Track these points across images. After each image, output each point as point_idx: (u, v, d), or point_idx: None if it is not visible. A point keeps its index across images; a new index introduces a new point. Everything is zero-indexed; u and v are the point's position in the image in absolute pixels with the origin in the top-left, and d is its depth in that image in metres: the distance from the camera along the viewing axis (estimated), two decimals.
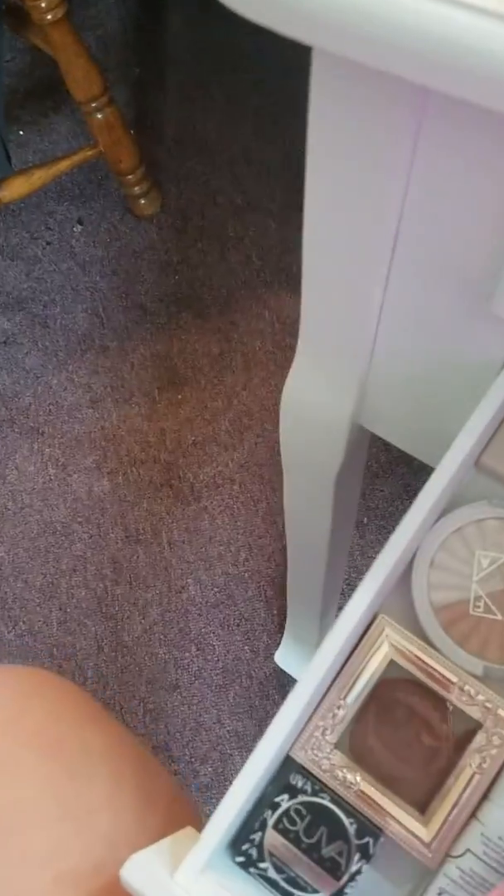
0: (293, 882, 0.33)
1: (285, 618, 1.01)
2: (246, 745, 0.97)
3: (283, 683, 0.99)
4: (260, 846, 0.33)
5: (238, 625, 1.03)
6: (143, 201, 1.32)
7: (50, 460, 1.16)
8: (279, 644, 0.99)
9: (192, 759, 0.97)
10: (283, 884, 0.33)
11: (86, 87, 1.15)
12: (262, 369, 1.21)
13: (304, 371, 0.43)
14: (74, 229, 1.35)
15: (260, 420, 1.17)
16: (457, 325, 0.33)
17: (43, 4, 1.02)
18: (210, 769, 0.97)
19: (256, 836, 0.33)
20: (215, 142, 1.42)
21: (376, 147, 0.27)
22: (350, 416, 0.43)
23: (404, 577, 0.38)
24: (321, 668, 0.33)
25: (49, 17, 1.03)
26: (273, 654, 1.00)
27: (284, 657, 0.98)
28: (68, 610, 1.07)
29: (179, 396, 1.20)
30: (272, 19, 0.22)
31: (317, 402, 0.44)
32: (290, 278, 1.29)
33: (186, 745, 0.98)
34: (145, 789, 0.35)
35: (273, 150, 1.39)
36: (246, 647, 1.02)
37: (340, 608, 0.96)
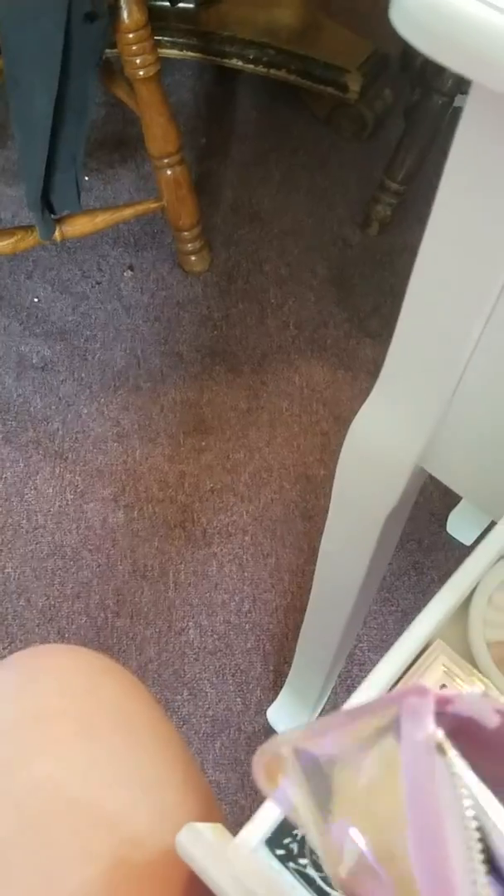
0: (330, 881, 0.34)
1: (281, 675, 1.01)
2: (226, 797, 0.95)
3: None
4: (301, 842, 0.34)
5: (233, 675, 1.03)
6: (193, 258, 1.38)
7: (69, 486, 1.18)
8: (272, 700, 0.99)
9: None
10: (319, 881, 0.34)
11: (162, 143, 1.23)
12: (287, 430, 1.24)
13: (378, 408, 0.46)
14: (125, 274, 1.41)
15: (279, 477, 1.20)
16: None
17: (138, 60, 1.10)
18: None
19: (299, 832, 0.34)
20: (268, 214, 1.50)
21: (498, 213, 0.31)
22: (417, 458, 0.46)
23: (461, 611, 0.40)
24: (381, 681, 0.35)
25: (142, 73, 1.11)
26: (265, 709, 1.00)
27: (277, 714, 0.98)
28: (66, 635, 1.07)
29: (203, 443, 1.23)
30: (435, 51, 0.26)
31: (385, 441, 0.47)
32: (323, 350, 1.34)
33: None
34: (197, 782, 0.36)
35: (320, 230, 1.47)
36: (238, 699, 1.02)
37: (341, 676, 0.97)
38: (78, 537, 1.14)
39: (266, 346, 1.34)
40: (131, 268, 1.42)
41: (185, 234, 1.35)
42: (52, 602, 1.08)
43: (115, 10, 1.03)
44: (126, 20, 1.05)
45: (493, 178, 0.32)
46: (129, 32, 1.07)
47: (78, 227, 1.26)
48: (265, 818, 0.32)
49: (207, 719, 1.00)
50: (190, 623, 1.07)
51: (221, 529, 1.15)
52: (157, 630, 1.07)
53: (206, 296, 1.39)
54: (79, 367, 1.29)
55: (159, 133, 1.22)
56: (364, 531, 0.53)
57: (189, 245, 1.37)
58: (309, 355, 1.34)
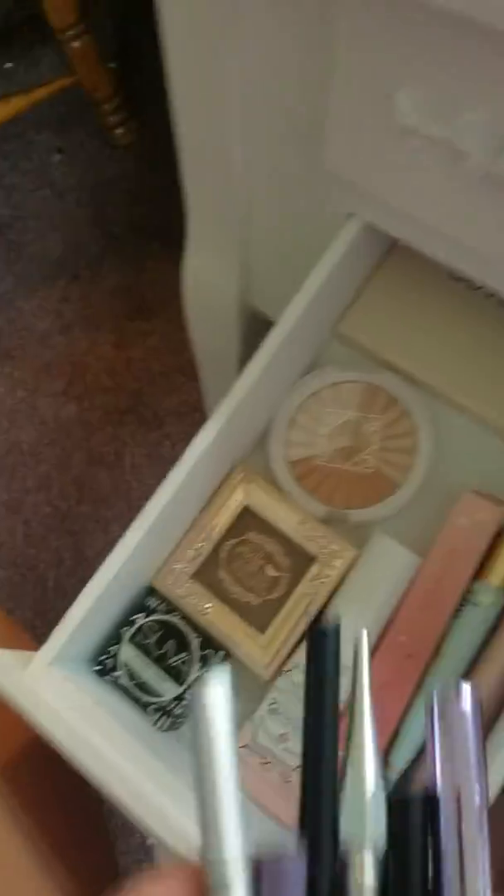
0: (142, 687, 0.37)
1: None
2: None
3: None
4: (115, 657, 0.37)
5: None
6: (119, 131, 1.33)
7: (19, 384, 1.19)
8: None
9: None
10: (133, 689, 0.37)
11: (62, 14, 1.16)
12: None
13: (194, 252, 0.46)
14: (53, 158, 1.36)
15: None
16: (307, 186, 0.36)
17: None
18: None
19: (113, 649, 0.38)
20: None
21: (211, 26, 0.30)
22: (238, 294, 0.46)
23: (263, 437, 0.41)
24: (163, 498, 0.36)
25: None
26: None
27: None
28: (33, 525, 1.11)
29: (148, 326, 1.23)
30: None
31: (208, 282, 0.47)
32: None
33: None
34: None
35: None
36: None
37: None
38: (33, 433, 1.16)
39: None
40: (60, 150, 1.37)
41: (106, 106, 1.30)
42: (16, 496, 1.12)
43: None
44: None
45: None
46: None
47: None
48: (59, 638, 0.35)
49: None
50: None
51: (172, 410, 1.17)
52: (119, 511, 1.11)
53: (139, 169, 1.35)
54: (15, 261, 1.28)
55: (60, 3, 1.15)
56: (226, 380, 0.54)
57: (111, 117, 1.31)
58: None
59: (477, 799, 0.16)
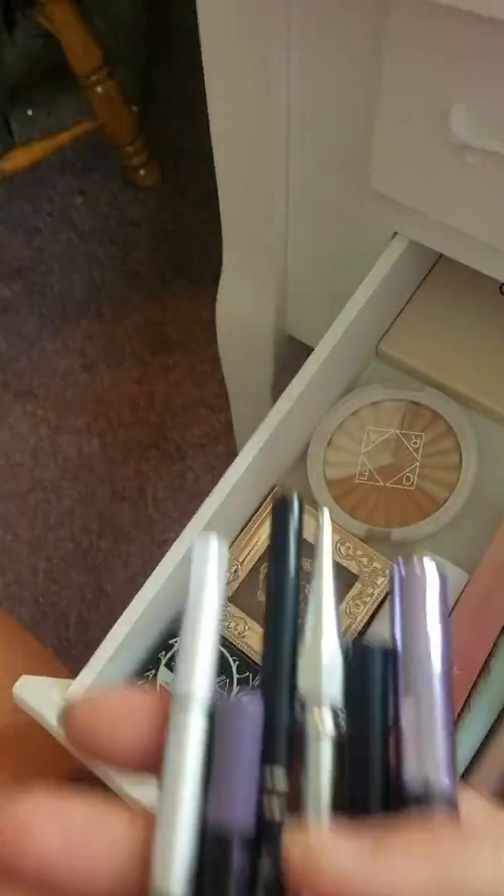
0: None
1: None
2: None
3: None
4: (153, 681, 0.36)
5: None
6: (141, 172, 1.36)
7: (42, 422, 1.20)
8: None
9: None
10: None
11: (85, 60, 1.20)
12: None
13: (229, 281, 0.46)
14: (75, 200, 1.39)
15: None
16: (350, 207, 0.36)
17: None
18: None
19: (150, 673, 0.37)
20: None
21: (257, 47, 0.30)
22: (273, 322, 0.46)
23: (303, 457, 0.41)
24: (200, 522, 0.36)
25: None
26: None
27: None
28: (54, 561, 1.10)
29: (170, 361, 1.23)
30: None
31: (243, 312, 0.47)
32: None
33: None
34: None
35: None
36: None
37: None
38: (56, 470, 1.16)
39: None
40: (82, 193, 1.40)
41: (129, 148, 1.32)
42: (39, 533, 1.12)
43: None
44: None
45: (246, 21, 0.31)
46: None
47: (17, 160, 1.24)
48: (98, 663, 0.34)
49: None
50: (171, 534, 1.10)
51: (195, 442, 1.17)
52: (141, 544, 1.10)
53: (161, 209, 1.37)
54: (39, 303, 1.29)
55: (80, 50, 1.19)
56: (257, 405, 0.54)
57: (134, 159, 1.34)
58: None
59: (440, 651, 0.16)
